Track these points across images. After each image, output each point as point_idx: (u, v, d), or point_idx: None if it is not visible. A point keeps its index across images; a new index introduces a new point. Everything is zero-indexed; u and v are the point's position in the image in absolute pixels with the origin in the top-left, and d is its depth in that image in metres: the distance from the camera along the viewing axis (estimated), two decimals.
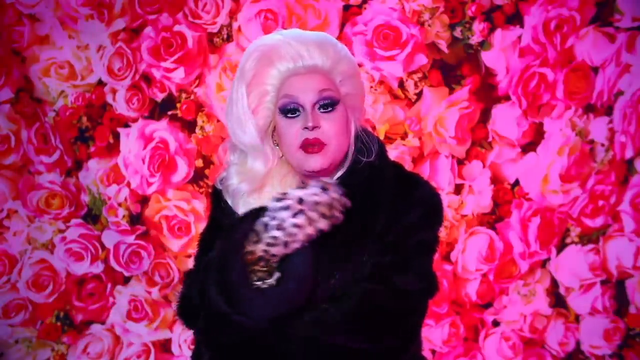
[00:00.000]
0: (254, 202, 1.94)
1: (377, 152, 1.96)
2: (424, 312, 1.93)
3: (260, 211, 1.84)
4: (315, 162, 1.90)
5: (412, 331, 1.92)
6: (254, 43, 1.97)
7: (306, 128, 1.89)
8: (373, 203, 1.91)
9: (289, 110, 1.91)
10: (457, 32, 3.53)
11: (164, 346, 3.67)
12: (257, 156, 1.95)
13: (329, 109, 1.91)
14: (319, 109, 1.91)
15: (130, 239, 3.62)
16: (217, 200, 2.03)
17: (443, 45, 3.52)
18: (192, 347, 2.15)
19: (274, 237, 1.75)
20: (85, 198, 3.63)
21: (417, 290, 1.88)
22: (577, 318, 3.62)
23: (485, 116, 3.56)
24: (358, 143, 1.96)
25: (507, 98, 3.54)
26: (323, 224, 1.77)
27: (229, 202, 1.98)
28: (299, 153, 1.91)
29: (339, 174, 1.96)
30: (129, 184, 3.60)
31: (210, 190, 3.58)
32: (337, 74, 1.93)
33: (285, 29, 3.46)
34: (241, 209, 1.95)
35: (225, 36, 3.56)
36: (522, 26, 3.50)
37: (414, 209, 1.90)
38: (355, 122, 1.97)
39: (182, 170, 3.59)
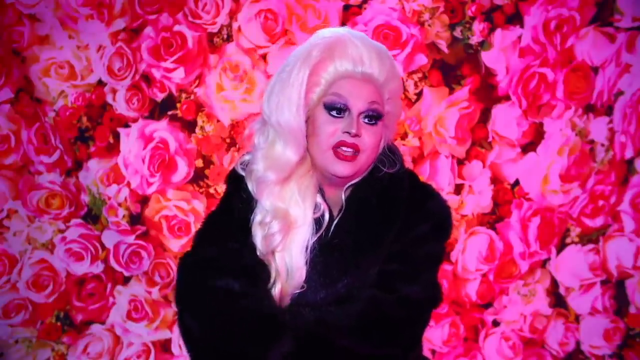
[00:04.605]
0: (277, 192, 1.93)
1: (400, 165, 1.99)
2: (427, 321, 1.95)
3: None
4: (344, 168, 1.90)
5: (413, 340, 1.94)
6: (320, 32, 1.96)
7: (347, 132, 1.89)
8: (388, 214, 1.92)
9: (336, 108, 1.90)
10: (457, 32, 3.53)
11: (164, 346, 3.67)
12: (292, 143, 1.91)
13: (373, 122, 1.92)
14: (364, 118, 1.91)
15: (130, 239, 3.62)
16: (238, 187, 2.00)
17: (443, 45, 3.52)
18: None
19: None
20: (85, 198, 3.63)
21: (422, 300, 1.90)
22: (577, 318, 3.62)
23: (485, 116, 3.56)
24: (380, 156, 1.97)
25: (507, 98, 3.53)
26: None
27: (251, 187, 1.95)
28: (329, 153, 1.90)
29: (355, 180, 1.95)
30: (129, 184, 3.60)
31: (209, 189, 3.58)
32: (386, 90, 1.94)
33: (286, 29, 3.50)
34: (265, 199, 1.93)
35: (225, 36, 3.55)
36: (522, 26, 3.50)
37: (425, 221, 1.93)
38: (384, 139, 1.98)
39: (182, 170, 3.59)
